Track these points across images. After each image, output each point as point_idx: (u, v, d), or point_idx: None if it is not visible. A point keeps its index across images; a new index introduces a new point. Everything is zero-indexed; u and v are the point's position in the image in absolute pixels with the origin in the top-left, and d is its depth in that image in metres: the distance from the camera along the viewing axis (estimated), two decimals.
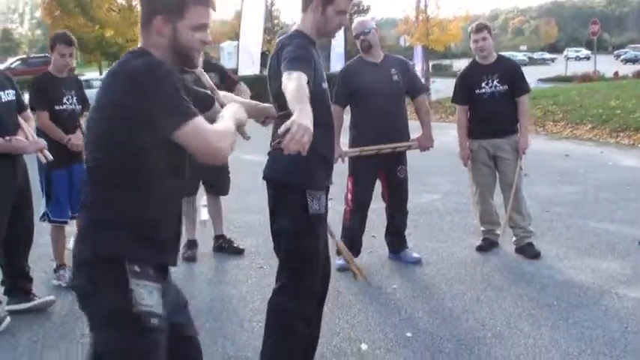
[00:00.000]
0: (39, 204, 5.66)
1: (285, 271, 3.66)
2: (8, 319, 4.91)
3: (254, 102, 3.34)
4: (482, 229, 6.59)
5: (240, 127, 2.72)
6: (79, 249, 2.49)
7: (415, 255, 6.22)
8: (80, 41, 29.86)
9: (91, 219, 2.49)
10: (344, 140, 5.77)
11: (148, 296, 2.42)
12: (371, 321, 4.89)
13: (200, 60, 2.66)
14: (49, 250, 5.95)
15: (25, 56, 42.71)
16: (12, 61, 39.61)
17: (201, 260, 6.43)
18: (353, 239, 6.01)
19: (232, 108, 2.70)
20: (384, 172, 6.01)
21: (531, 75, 41.68)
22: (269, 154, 3.69)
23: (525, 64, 69.44)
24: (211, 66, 6.46)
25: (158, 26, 2.49)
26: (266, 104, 3.32)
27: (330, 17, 3.52)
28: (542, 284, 5.53)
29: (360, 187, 5.93)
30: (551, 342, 4.45)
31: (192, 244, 6.54)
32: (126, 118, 2.32)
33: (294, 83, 3.03)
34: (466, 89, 6.36)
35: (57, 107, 5.53)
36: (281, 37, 3.65)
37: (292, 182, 3.51)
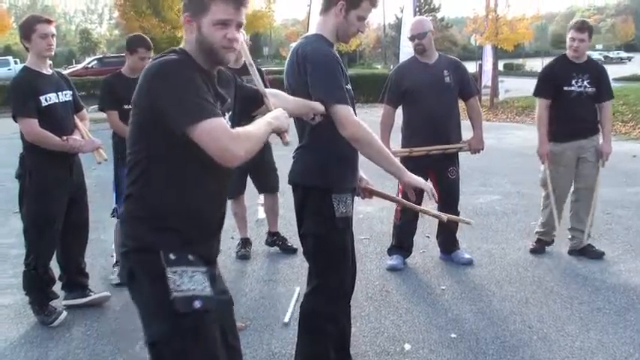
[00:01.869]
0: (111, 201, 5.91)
1: (314, 274, 3.70)
2: (65, 313, 5.10)
3: (302, 100, 3.38)
4: (539, 230, 6.47)
5: (280, 133, 2.79)
6: (121, 241, 2.61)
7: (467, 256, 6.19)
8: (153, 41, 30.51)
9: (128, 211, 2.61)
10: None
11: (188, 281, 2.51)
12: (417, 321, 4.90)
13: (233, 58, 2.71)
14: (111, 246, 6.14)
15: (101, 56, 43.86)
16: (89, 61, 40.85)
17: (255, 258, 6.53)
18: (402, 239, 6.03)
19: (272, 114, 2.78)
20: (435, 173, 5.95)
21: None
22: (293, 157, 3.72)
23: (601, 63, 68.27)
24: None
25: (186, 23, 2.58)
26: (314, 102, 3.36)
27: (352, 22, 3.52)
28: (594, 287, 5.46)
29: None
30: (599, 346, 4.40)
31: (245, 242, 6.66)
32: (147, 116, 2.44)
33: (364, 137, 3.35)
34: (553, 84, 6.12)
35: (126, 106, 5.68)
36: (302, 41, 3.60)
37: (318, 186, 3.52)
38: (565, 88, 6.03)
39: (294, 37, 48.63)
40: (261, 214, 7.51)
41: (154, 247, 2.52)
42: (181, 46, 2.66)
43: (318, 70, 3.40)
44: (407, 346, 4.48)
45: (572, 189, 6.30)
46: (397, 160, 3.35)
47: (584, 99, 6.03)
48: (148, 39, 5.87)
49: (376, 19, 59.78)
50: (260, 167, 6.39)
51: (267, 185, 6.62)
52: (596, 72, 6.11)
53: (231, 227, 7.35)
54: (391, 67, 30.17)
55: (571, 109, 6.04)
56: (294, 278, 5.94)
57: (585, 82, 6.01)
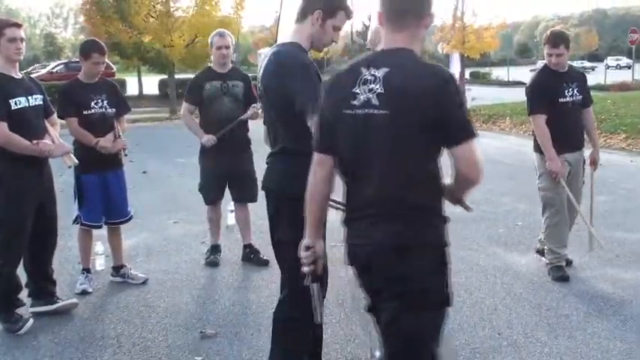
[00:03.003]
0: (72, 208, 5.83)
1: (289, 281, 3.68)
2: (31, 320, 5.03)
3: None
4: (559, 252, 6.00)
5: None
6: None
7: None
8: (119, 46, 29.97)
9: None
10: None
11: None
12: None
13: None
14: (78, 253, 6.07)
15: (66, 61, 43.47)
16: (54, 66, 40.47)
17: (224, 265, 6.51)
18: None
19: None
20: None
21: None
22: (267, 163, 3.71)
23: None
24: (239, 74, 6.55)
25: None
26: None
27: (327, 31, 3.56)
28: (562, 294, 5.51)
29: None
30: (567, 351, 4.45)
31: (216, 248, 6.62)
32: None
33: None
34: (548, 98, 5.84)
35: (85, 112, 5.63)
36: (280, 48, 3.60)
37: (293, 192, 3.39)
38: (560, 100, 5.82)
39: (262, 44, 48.61)
40: (231, 220, 7.48)
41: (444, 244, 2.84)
42: None
43: (302, 78, 3.40)
44: (377, 353, 4.46)
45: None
46: None
47: (577, 108, 5.91)
48: (102, 43, 5.81)
49: (344, 26, 59.87)
50: (240, 176, 6.38)
51: (245, 196, 6.57)
52: (580, 79, 6.03)
53: (201, 233, 7.36)
54: None
55: (568, 120, 5.84)
56: (263, 285, 5.93)
57: (575, 91, 5.87)
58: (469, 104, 24.50)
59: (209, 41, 6.53)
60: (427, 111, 2.58)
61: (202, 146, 6.34)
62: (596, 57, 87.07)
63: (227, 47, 6.35)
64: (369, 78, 2.69)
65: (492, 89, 40.61)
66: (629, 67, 56.34)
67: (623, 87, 29.96)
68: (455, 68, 26.08)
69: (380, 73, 2.67)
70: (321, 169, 2.94)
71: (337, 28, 3.59)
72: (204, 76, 6.48)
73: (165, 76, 32.64)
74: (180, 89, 31.14)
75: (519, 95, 28.49)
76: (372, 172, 2.72)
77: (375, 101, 2.66)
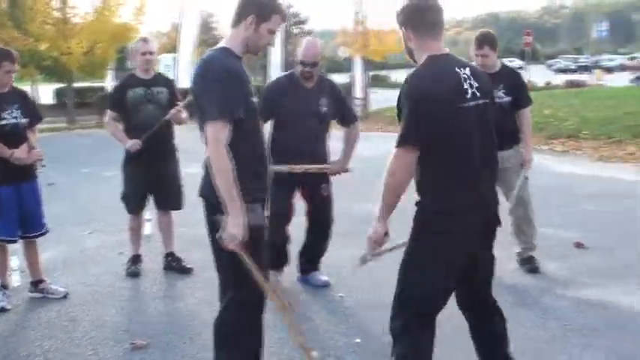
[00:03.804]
0: None
1: (228, 286, 3.65)
2: None
3: None
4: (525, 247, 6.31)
5: None
6: None
7: (324, 278, 5.97)
8: None
9: None
10: None
11: None
12: (320, 329, 4.94)
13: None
14: None
15: None
16: None
17: (146, 275, 6.37)
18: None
19: None
20: (308, 189, 5.77)
21: None
22: (203, 168, 3.66)
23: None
24: (163, 80, 6.43)
25: None
26: None
27: (262, 35, 3.57)
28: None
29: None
30: None
31: (136, 259, 6.48)
32: None
33: (217, 163, 3.34)
34: None
35: None
36: (209, 52, 3.64)
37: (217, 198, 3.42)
38: None
39: (160, 50, 47.94)
40: (148, 229, 7.32)
41: None
42: None
43: (209, 83, 3.43)
44: (314, 354, 4.48)
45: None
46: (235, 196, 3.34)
47: (499, 109, 5.69)
48: (14, 52, 5.62)
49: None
50: (165, 183, 6.26)
51: (169, 202, 6.47)
52: (510, 80, 6.04)
53: (118, 243, 7.20)
54: (261, 79, 30.12)
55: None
56: (189, 293, 5.85)
57: (500, 92, 5.87)
58: (373, 106, 24.98)
59: (131, 47, 6.41)
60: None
61: (126, 154, 6.20)
62: None
63: (152, 53, 6.24)
64: (465, 76, 3.33)
65: (393, 92, 41.25)
66: (521, 69, 58.36)
67: None
68: (357, 72, 26.40)
69: (467, 71, 3.36)
70: (413, 160, 3.32)
71: (272, 32, 3.61)
72: (128, 82, 6.33)
73: (62, 85, 31.78)
74: (78, 98, 30.48)
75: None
76: (474, 154, 3.34)
77: (478, 93, 3.34)
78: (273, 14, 3.55)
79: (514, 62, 72.92)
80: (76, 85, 30.91)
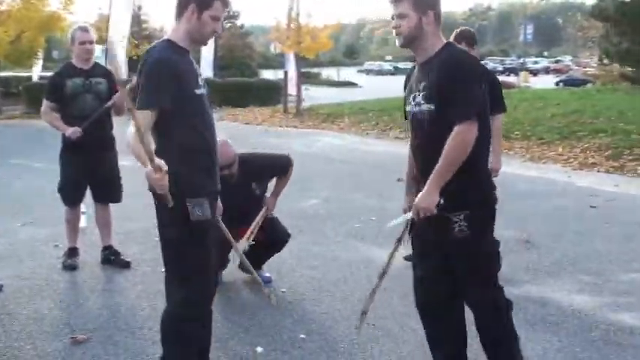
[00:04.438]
0: None
1: (176, 280, 3.62)
2: None
3: None
4: None
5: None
6: None
7: (267, 274, 5.92)
8: None
9: None
10: None
11: None
12: (264, 324, 4.93)
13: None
14: None
15: None
16: None
17: (83, 269, 6.25)
18: None
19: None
20: None
21: (398, 83, 43.13)
22: None
23: (393, 74, 71.81)
24: (102, 71, 6.31)
25: None
26: None
27: (206, 22, 3.54)
28: None
29: None
30: None
31: (73, 251, 6.34)
32: None
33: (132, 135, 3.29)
34: None
35: None
36: (152, 45, 3.65)
37: (171, 192, 3.37)
38: None
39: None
40: (83, 222, 7.17)
41: None
42: None
43: (145, 75, 3.45)
44: (259, 349, 4.50)
45: None
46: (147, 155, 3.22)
47: None
48: None
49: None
50: (103, 176, 6.14)
51: (108, 195, 6.36)
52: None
53: (52, 235, 7.06)
54: None
55: None
56: (129, 287, 5.78)
57: None
58: (307, 102, 25.06)
59: (69, 36, 6.25)
60: None
61: (64, 144, 6.07)
62: None
63: (91, 42, 6.11)
64: None
65: (323, 89, 41.56)
66: None
67: None
68: (290, 68, 26.38)
69: None
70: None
71: (216, 18, 3.56)
72: (66, 72, 6.18)
73: None
74: (3, 87, 29.62)
75: (350, 95, 29.64)
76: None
77: None
78: (214, 1, 3.52)
79: None
80: (2, 74, 30.03)
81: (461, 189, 3.41)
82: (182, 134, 3.47)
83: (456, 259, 3.60)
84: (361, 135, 18.29)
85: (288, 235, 5.87)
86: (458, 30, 6.25)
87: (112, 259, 6.35)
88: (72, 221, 6.35)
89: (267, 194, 5.86)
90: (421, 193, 3.46)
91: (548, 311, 5.17)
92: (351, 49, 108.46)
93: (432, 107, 3.43)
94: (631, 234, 7.50)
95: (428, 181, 3.42)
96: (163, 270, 3.68)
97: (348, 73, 60.45)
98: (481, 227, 3.56)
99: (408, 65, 57.06)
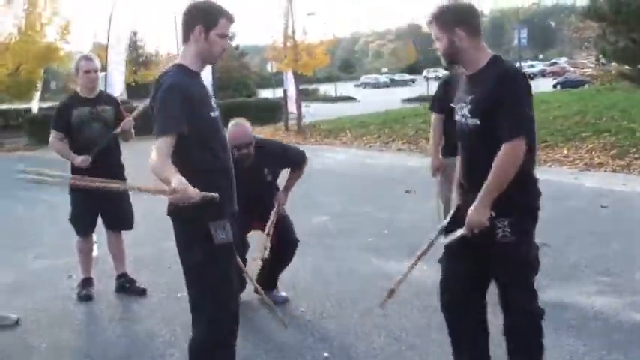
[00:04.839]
0: None
1: (201, 304, 3.61)
2: None
3: None
4: None
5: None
6: None
7: (283, 294, 5.90)
8: None
9: None
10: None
11: None
12: (286, 345, 4.89)
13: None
14: None
15: None
16: None
17: (98, 298, 6.21)
18: None
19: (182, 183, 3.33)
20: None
21: (395, 95, 43.07)
22: None
23: (388, 86, 71.94)
24: (108, 98, 6.33)
25: None
26: None
27: (214, 42, 3.57)
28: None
29: None
30: None
31: (88, 281, 6.31)
32: None
33: (155, 159, 3.37)
34: (443, 98, 6.00)
35: None
36: (164, 71, 3.65)
37: (193, 215, 3.43)
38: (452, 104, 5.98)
39: None
40: (95, 251, 7.13)
41: None
42: None
43: (160, 102, 3.46)
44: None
45: None
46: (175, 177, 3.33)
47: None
48: None
49: (172, 49, 59.07)
50: (114, 203, 6.10)
51: (120, 222, 6.33)
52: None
53: (65, 266, 7.04)
54: None
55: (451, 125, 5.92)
56: (146, 314, 5.74)
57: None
58: (307, 119, 25.08)
59: (74, 66, 6.26)
60: None
61: (74, 173, 6.05)
62: (415, 69, 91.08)
63: (96, 70, 6.13)
64: None
65: (323, 105, 41.60)
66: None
67: None
68: (289, 86, 26.41)
69: None
70: None
71: (223, 36, 3.61)
72: (72, 101, 6.18)
73: None
74: (3, 120, 29.68)
75: (349, 109, 29.62)
76: None
77: None
78: (219, 19, 3.56)
79: (438, 72, 74.50)
80: (2, 107, 30.11)
81: (507, 196, 3.44)
82: (200, 157, 3.50)
83: (497, 263, 3.63)
84: (365, 149, 18.29)
85: (298, 240, 5.84)
86: None
87: (127, 286, 6.32)
88: (85, 251, 6.32)
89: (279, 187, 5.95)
90: (472, 208, 3.49)
91: (570, 315, 5.15)
92: (346, 64, 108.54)
93: (477, 122, 3.48)
94: None
95: (479, 197, 3.46)
96: (179, 295, 3.68)
97: (345, 88, 60.55)
98: (524, 233, 3.60)
99: (404, 77, 57.43)
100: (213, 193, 3.41)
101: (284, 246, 5.72)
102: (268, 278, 5.81)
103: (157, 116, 3.45)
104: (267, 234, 5.54)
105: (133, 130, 6.15)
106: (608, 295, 5.56)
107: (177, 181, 3.27)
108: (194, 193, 3.29)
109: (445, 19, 3.53)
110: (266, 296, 5.23)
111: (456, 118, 3.72)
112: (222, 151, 3.64)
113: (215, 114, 3.62)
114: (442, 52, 3.59)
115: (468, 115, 3.54)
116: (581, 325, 4.96)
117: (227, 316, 3.62)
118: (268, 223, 5.59)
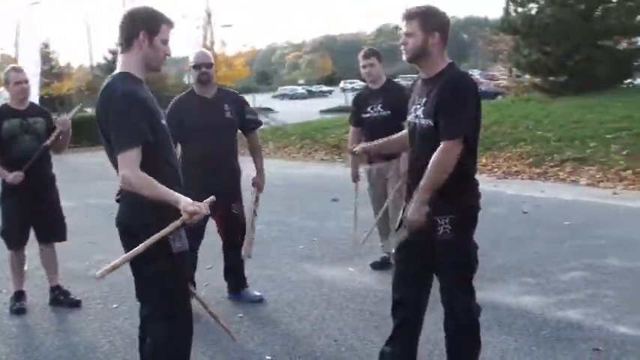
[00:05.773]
0: None
1: (160, 313, 3.58)
2: None
3: None
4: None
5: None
6: None
7: (257, 293, 6.13)
8: None
9: None
10: None
11: None
12: (229, 349, 4.96)
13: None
14: None
15: None
16: None
17: (32, 311, 6.13)
18: None
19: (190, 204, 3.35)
20: (220, 208, 5.54)
21: (313, 107, 43.26)
22: (117, 200, 3.61)
23: (305, 97, 72.19)
24: (39, 110, 6.27)
25: None
26: None
27: (158, 47, 3.54)
28: (378, 297, 5.86)
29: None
30: None
31: (20, 295, 6.21)
32: None
33: (138, 183, 3.33)
34: (356, 112, 6.70)
35: None
36: (109, 80, 3.54)
37: (149, 224, 3.39)
38: (363, 115, 6.57)
39: None
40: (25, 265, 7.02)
41: None
42: None
43: (113, 112, 3.39)
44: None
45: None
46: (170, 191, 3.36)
47: (380, 122, 6.26)
48: None
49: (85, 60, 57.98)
50: (46, 212, 6.05)
51: (52, 234, 6.25)
52: (390, 95, 6.40)
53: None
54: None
55: (369, 133, 6.18)
56: (83, 326, 5.69)
57: (379, 107, 6.41)
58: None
59: (2, 77, 6.17)
60: None
61: (4, 187, 5.98)
62: (332, 81, 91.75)
63: (27, 81, 6.06)
64: None
65: None
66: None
67: None
68: None
69: None
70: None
71: (166, 41, 3.59)
72: (2, 114, 6.07)
73: None
74: None
75: (269, 121, 29.20)
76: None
77: None
78: (161, 24, 3.54)
79: (355, 83, 75.36)
80: None
81: (449, 195, 3.64)
82: (158, 166, 3.43)
83: (439, 259, 3.80)
84: (287, 159, 18.45)
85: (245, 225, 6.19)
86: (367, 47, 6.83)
87: (61, 298, 6.26)
88: (17, 264, 6.23)
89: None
90: (410, 207, 3.69)
91: (500, 314, 5.40)
92: (263, 75, 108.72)
93: (430, 123, 3.68)
94: (563, 236, 7.89)
95: (416, 196, 3.66)
96: (115, 306, 3.65)
97: (263, 99, 60.48)
98: (463, 232, 3.77)
99: (322, 88, 57.56)
100: (212, 197, 3.52)
101: (233, 240, 6.11)
102: (236, 278, 6.11)
103: (117, 128, 3.36)
104: (254, 212, 6.24)
105: (70, 135, 6.11)
106: (534, 295, 5.86)
107: (185, 201, 3.30)
108: (205, 207, 3.36)
109: (429, 19, 3.70)
110: (219, 318, 5.34)
111: (409, 118, 3.91)
112: (174, 158, 3.69)
113: (164, 121, 3.63)
114: (410, 49, 3.74)
115: (422, 116, 3.74)
116: (511, 323, 5.22)
117: (185, 324, 3.62)
118: (250, 214, 6.20)
